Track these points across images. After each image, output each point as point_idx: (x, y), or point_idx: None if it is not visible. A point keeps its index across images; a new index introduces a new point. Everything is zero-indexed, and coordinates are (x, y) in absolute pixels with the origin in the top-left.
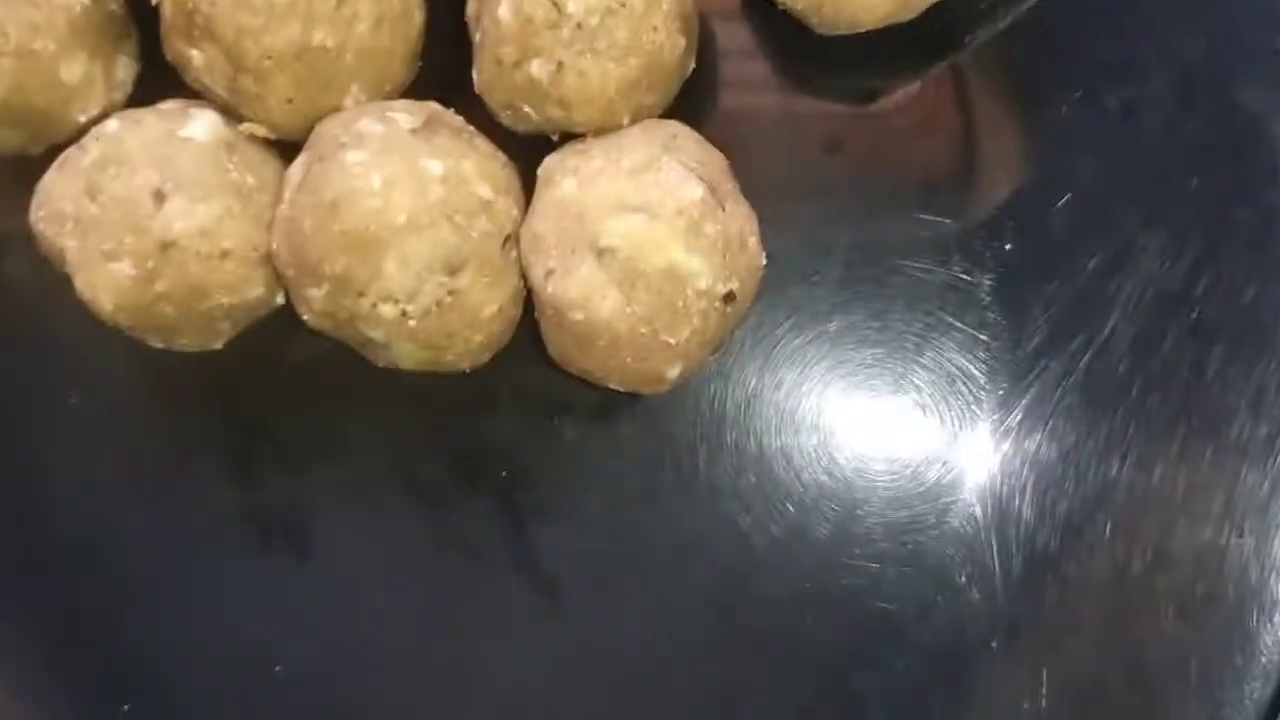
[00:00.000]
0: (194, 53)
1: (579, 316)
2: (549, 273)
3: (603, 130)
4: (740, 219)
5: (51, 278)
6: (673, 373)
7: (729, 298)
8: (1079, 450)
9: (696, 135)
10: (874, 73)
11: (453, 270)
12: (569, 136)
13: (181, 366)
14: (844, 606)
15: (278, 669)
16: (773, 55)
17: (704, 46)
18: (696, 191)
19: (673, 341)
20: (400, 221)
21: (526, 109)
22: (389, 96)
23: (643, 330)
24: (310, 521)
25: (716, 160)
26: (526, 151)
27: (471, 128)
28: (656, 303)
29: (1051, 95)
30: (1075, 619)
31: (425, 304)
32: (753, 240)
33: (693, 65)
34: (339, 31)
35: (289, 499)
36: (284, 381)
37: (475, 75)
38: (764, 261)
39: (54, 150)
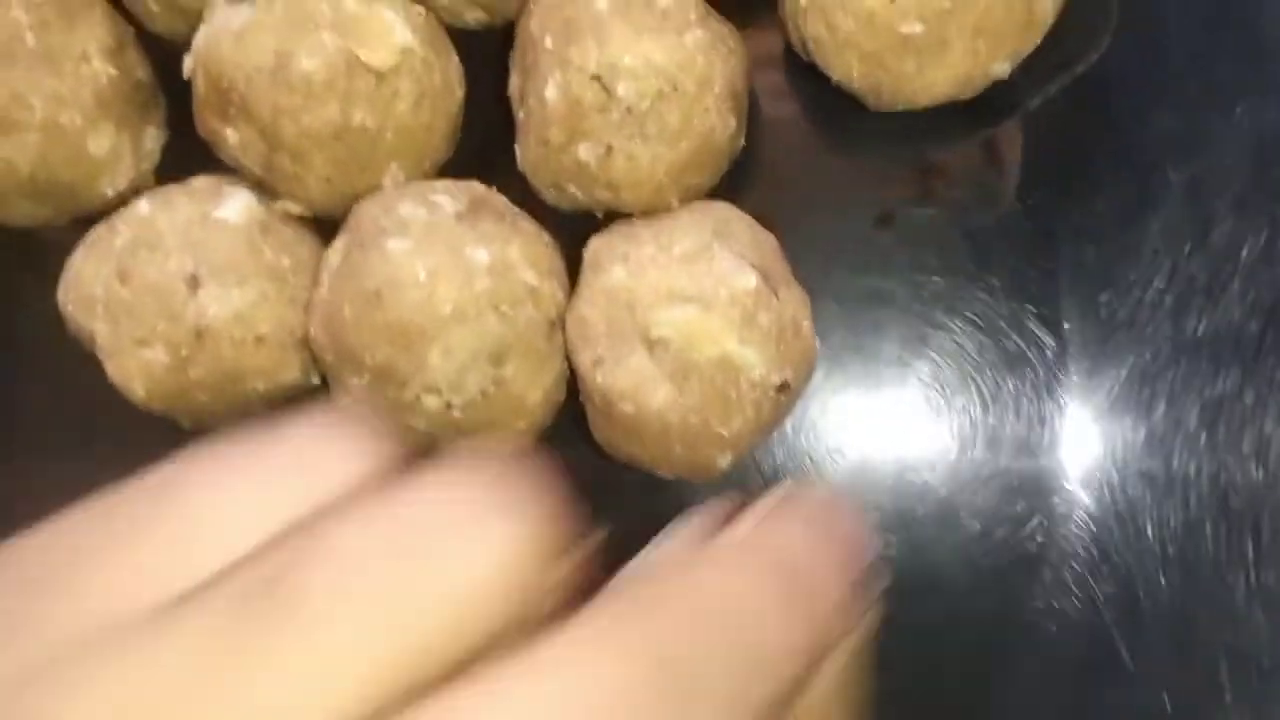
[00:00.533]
0: (229, 131)
1: (629, 408)
2: (598, 361)
3: (650, 211)
4: (793, 305)
5: (81, 354)
6: (724, 461)
7: (783, 388)
8: (1146, 529)
9: (747, 218)
10: (927, 146)
11: (498, 360)
12: (613, 214)
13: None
14: (898, 678)
15: None
16: (823, 129)
17: (752, 121)
18: (750, 281)
19: (725, 433)
20: (445, 312)
21: (573, 190)
22: (429, 174)
23: (694, 420)
24: None
25: (768, 243)
26: (566, 221)
27: (515, 208)
28: (709, 394)
29: (1112, 170)
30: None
31: (470, 395)
32: (806, 325)
33: (742, 143)
34: (379, 111)
35: None
36: None
37: (519, 153)
38: (817, 346)
39: (80, 221)
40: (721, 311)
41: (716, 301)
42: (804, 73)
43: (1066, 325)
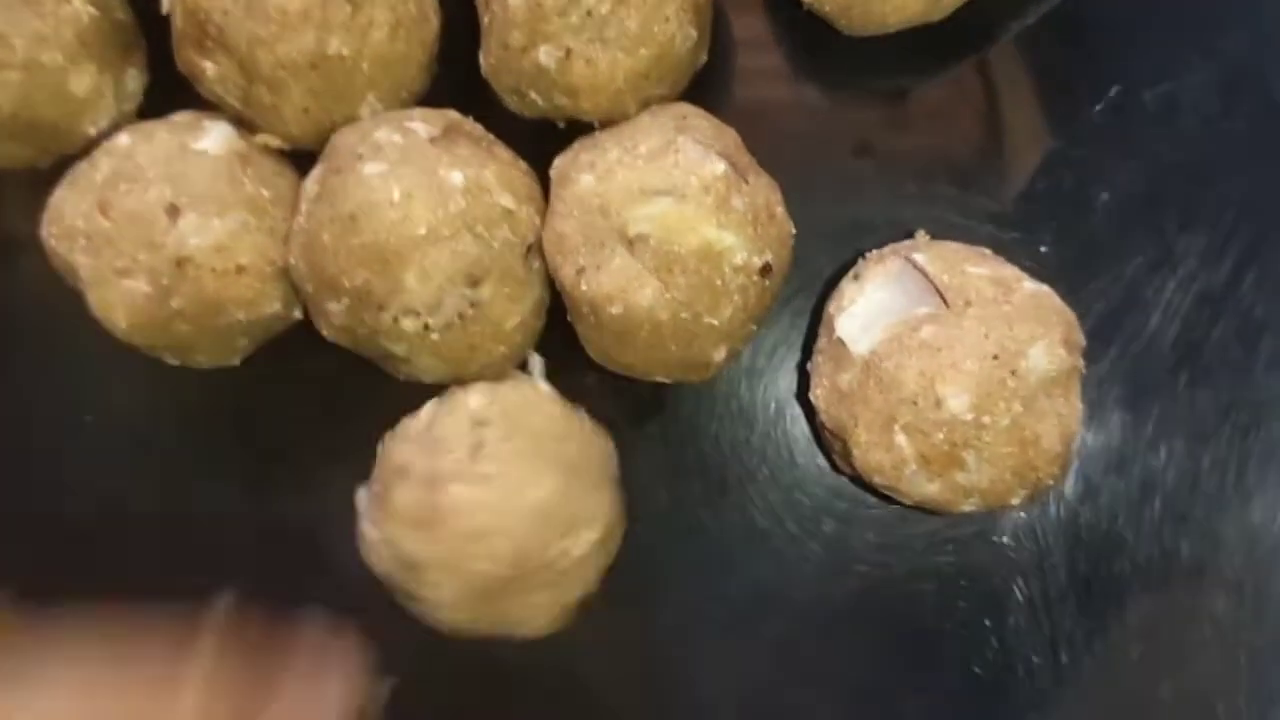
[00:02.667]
0: (206, 64)
1: (617, 310)
2: (580, 271)
3: (610, 119)
4: (764, 189)
5: (64, 292)
6: (718, 355)
7: (765, 270)
8: (1124, 448)
9: (706, 114)
10: (902, 72)
11: (474, 282)
12: (575, 123)
13: (199, 383)
14: (883, 622)
15: None
16: (799, 59)
17: (727, 53)
18: (719, 167)
19: (716, 323)
20: (420, 233)
21: (533, 95)
22: (406, 104)
23: (684, 315)
24: (330, 539)
25: (730, 135)
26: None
27: (491, 135)
28: (695, 284)
29: (1087, 93)
30: (1122, 624)
31: (447, 317)
32: (779, 210)
33: (704, 58)
34: (354, 40)
35: (308, 518)
36: (303, 398)
37: (482, 59)
38: (793, 230)
39: (63, 162)
40: (695, 199)
41: (689, 190)
42: (777, 1)
43: (1043, 249)
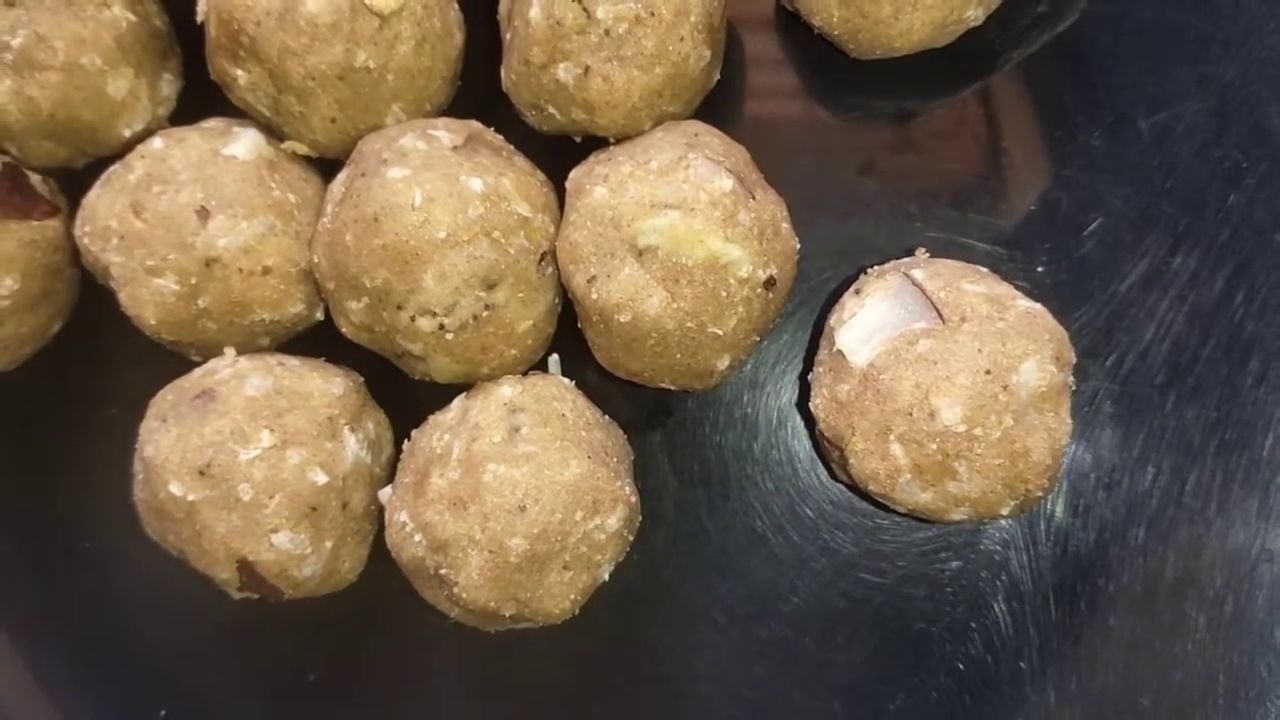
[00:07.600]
0: (238, 72)
1: (626, 318)
2: (591, 279)
3: (624, 135)
4: (771, 205)
5: (93, 291)
6: (722, 364)
7: (770, 283)
8: (1113, 465)
9: (717, 131)
10: (907, 96)
11: (490, 285)
12: (592, 138)
13: None
14: (875, 626)
15: None
16: (807, 80)
17: (737, 71)
18: (727, 182)
19: (720, 333)
20: (440, 236)
21: (551, 110)
22: (429, 117)
23: (690, 325)
24: None
25: (739, 152)
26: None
27: (511, 146)
28: (701, 295)
29: (1085, 120)
30: (1106, 636)
31: (462, 318)
32: (785, 226)
33: (717, 78)
34: (381, 52)
35: None
36: None
37: (503, 74)
38: (797, 245)
39: (97, 164)
40: (703, 213)
41: (697, 204)
42: (788, 25)
43: (1039, 269)
